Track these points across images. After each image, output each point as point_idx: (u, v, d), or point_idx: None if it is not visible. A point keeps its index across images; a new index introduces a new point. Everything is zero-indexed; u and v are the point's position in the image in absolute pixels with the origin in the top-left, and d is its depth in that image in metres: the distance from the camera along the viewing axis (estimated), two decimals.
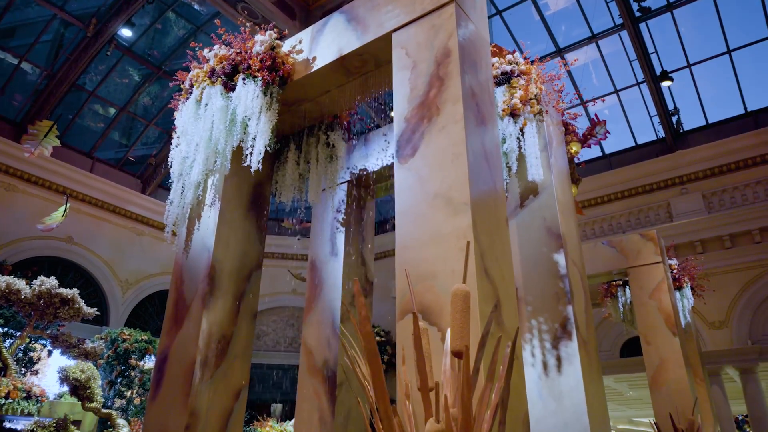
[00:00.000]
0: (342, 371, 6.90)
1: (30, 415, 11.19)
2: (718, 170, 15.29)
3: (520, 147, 6.12)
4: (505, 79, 6.40)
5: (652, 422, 9.83)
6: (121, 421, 10.70)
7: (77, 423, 11.29)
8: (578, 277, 5.95)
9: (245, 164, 5.69)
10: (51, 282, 12.14)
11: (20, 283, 11.83)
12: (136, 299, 17.91)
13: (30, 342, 13.53)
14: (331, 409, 6.68)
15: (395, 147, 4.72)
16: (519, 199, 6.32)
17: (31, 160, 14.81)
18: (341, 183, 7.70)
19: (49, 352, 14.58)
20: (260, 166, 5.71)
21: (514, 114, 6.17)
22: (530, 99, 6.18)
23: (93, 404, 10.42)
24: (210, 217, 6.01)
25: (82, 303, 12.65)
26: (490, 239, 4.20)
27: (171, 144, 6.43)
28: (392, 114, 11.71)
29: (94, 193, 17.33)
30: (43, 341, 13.76)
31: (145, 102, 18.94)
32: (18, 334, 13.42)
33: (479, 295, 3.81)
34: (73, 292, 12.48)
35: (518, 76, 6.36)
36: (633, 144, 17.13)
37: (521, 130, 6.18)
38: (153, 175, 19.41)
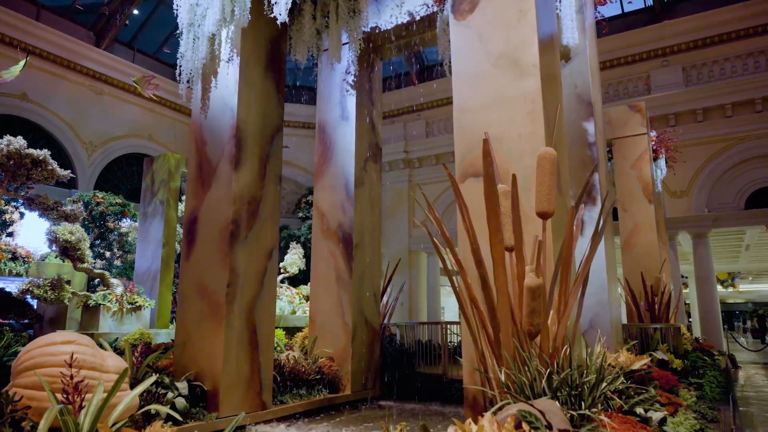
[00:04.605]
0: (357, 233, 7.08)
1: (18, 275, 11.12)
2: (702, 43, 15.29)
3: (555, 7, 5.84)
4: None
5: (621, 278, 10.80)
6: (114, 281, 10.82)
7: (67, 283, 11.33)
8: (602, 144, 6.08)
9: (270, 15, 5.23)
10: (19, 142, 11.38)
11: None
12: (103, 162, 17.21)
13: (2, 204, 13.02)
14: (348, 269, 6.95)
15: (450, 1, 4.42)
16: None
17: None
18: (345, 43, 7.25)
19: (21, 215, 14.17)
20: (287, 19, 5.28)
21: None
22: None
23: (85, 265, 10.40)
24: (229, 74, 5.62)
25: (55, 165, 12.01)
26: (553, 103, 4.16)
27: None
28: None
29: (44, 45, 15.73)
30: (15, 203, 13.28)
31: None
32: None
33: None
34: (44, 153, 11.78)
35: None
36: (620, 12, 16.70)
37: None
38: (107, 27, 17.65)
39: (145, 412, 4.10)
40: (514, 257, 3.18)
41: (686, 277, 21.86)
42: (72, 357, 2.85)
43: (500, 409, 2.64)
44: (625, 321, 9.68)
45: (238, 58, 5.60)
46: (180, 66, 5.76)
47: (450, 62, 5.83)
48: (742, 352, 17.64)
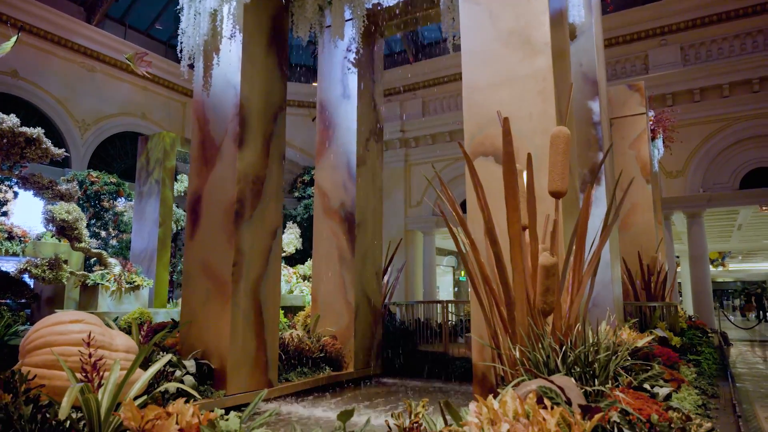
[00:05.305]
0: (360, 212, 7.08)
1: (15, 255, 11.05)
2: (700, 21, 15.23)
3: None
4: None
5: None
6: (112, 260, 10.78)
7: (64, 262, 11.28)
8: (607, 124, 6.08)
9: None
10: (12, 120, 11.22)
11: None
12: (96, 141, 17.01)
13: None
14: (350, 248, 6.96)
15: None
16: None
17: None
18: (348, 20, 7.14)
19: (15, 194, 14.03)
20: None
21: None
22: None
23: (82, 244, 10.35)
24: (232, 51, 5.54)
25: (49, 143, 11.86)
26: (563, 81, 4.14)
27: None
28: None
29: (33, 21, 15.40)
30: (9, 182, 13.14)
31: None
32: None
33: None
34: (37, 131, 11.63)
35: None
36: None
37: None
38: (97, 3, 17.29)
39: (154, 390, 4.12)
40: (527, 236, 3.19)
41: (677, 257, 22.09)
42: (90, 336, 2.85)
43: (516, 385, 2.68)
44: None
45: (241, 34, 5.52)
46: (181, 43, 5.68)
47: (454, 39, 5.78)
48: (732, 329, 17.95)
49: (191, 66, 5.84)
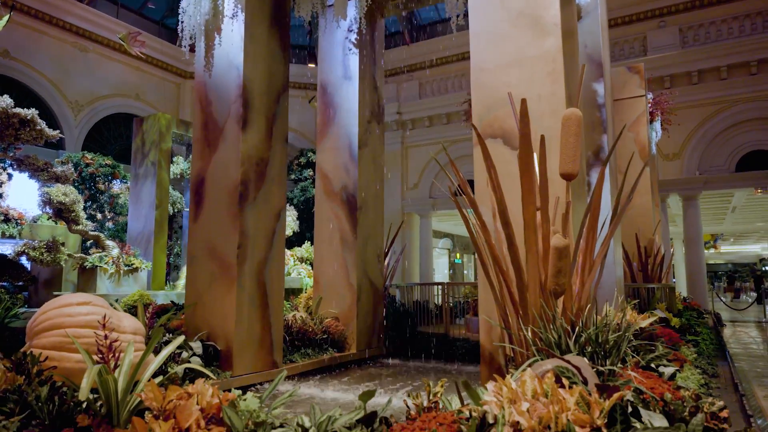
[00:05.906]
0: (362, 195, 7.07)
1: (11, 237, 10.99)
2: (699, 3, 15.14)
3: None
4: None
5: None
6: (110, 243, 10.74)
7: (61, 245, 11.22)
8: (610, 106, 6.06)
9: None
10: (6, 101, 11.06)
11: None
12: (90, 122, 16.81)
13: None
14: (352, 231, 6.96)
15: None
16: None
17: None
18: None
19: (9, 176, 13.89)
20: None
21: None
22: None
23: (80, 226, 10.30)
24: (234, 30, 5.46)
25: (43, 124, 11.72)
26: (572, 61, 4.12)
27: None
28: None
29: (25, 0, 15.11)
30: (3, 164, 13.00)
31: None
32: None
33: None
34: (32, 112, 11.48)
35: None
36: None
37: None
38: None
39: (164, 371, 4.14)
40: (538, 217, 3.20)
41: (671, 239, 22.26)
42: (105, 317, 2.85)
43: (530, 365, 2.71)
44: None
45: (243, 14, 5.44)
46: (182, 22, 5.59)
47: (457, 19, 5.72)
48: (725, 310, 18.18)
49: (191, 46, 5.76)
